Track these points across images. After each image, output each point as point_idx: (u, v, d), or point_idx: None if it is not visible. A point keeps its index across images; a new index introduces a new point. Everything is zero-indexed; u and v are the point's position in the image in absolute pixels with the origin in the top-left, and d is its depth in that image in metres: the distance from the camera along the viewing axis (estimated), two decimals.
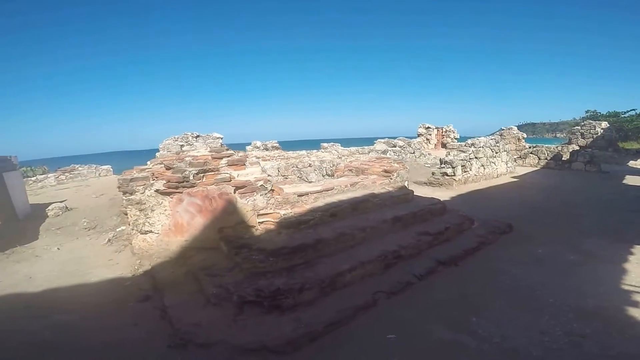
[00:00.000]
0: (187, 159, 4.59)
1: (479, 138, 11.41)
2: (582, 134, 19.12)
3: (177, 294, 3.83)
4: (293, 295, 3.42)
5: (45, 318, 3.73)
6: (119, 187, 5.08)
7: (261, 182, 4.59)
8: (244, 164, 4.81)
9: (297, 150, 17.90)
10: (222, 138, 17.39)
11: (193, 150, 5.09)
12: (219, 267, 4.00)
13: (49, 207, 8.21)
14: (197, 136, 16.99)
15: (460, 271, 4.61)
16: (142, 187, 4.95)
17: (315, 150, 18.20)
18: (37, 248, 6.27)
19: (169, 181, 4.39)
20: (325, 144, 19.05)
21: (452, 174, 9.82)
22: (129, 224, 5.21)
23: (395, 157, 12.50)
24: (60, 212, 8.09)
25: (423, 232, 4.96)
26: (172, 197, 4.49)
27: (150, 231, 4.72)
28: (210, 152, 4.84)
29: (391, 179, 5.96)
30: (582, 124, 19.90)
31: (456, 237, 5.31)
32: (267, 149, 17.24)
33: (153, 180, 4.85)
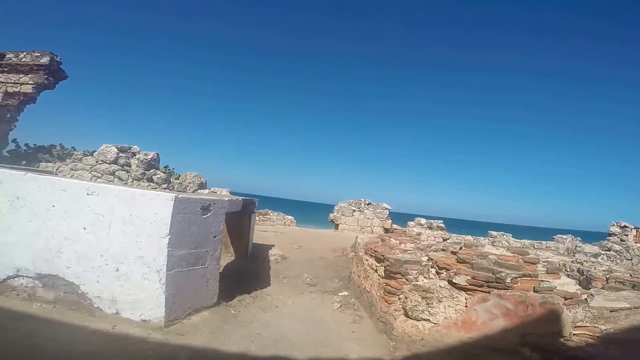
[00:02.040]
0: (490, 257, 4.03)
1: None
2: None
3: None
4: None
5: None
6: (387, 266, 4.76)
7: (585, 296, 3.84)
8: (559, 274, 4.04)
9: (462, 235, 16.31)
10: (389, 209, 17.08)
11: (487, 247, 4.53)
12: None
13: (271, 252, 8.65)
14: (369, 204, 17.02)
15: None
16: (415, 271, 4.52)
17: (483, 238, 16.32)
18: (272, 296, 6.32)
19: (474, 278, 3.83)
20: (493, 232, 16.96)
21: None
22: (388, 303, 4.77)
23: (611, 264, 10.03)
24: (280, 260, 8.39)
25: None
26: (471, 294, 3.89)
27: (428, 320, 4.15)
28: (513, 253, 4.22)
29: None
30: None
31: None
32: (430, 228, 16.08)
33: (434, 267, 4.37)
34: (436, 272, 4.29)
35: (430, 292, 4.07)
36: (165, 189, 7.54)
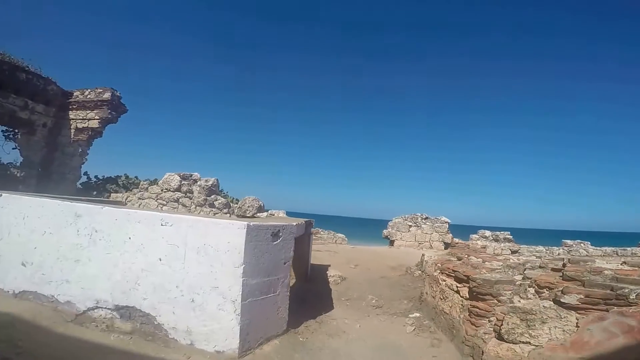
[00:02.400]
0: (606, 272, 3.46)
1: None
2: None
3: None
4: None
5: None
6: (474, 287, 4.27)
7: None
8: None
9: (532, 246, 15.05)
10: (449, 223, 16.19)
11: (598, 261, 3.96)
12: None
13: (329, 273, 8.33)
14: (426, 218, 16.24)
15: None
16: (509, 292, 4.01)
17: (557, 248, 14.99)
18: (337, 320, 5.96)
19: (588, 296, 3.31)
20: (568, 241, 15.51)
21: None
22: (475, 325, 4.26)
23: None
24: (339, 280, 8.05)
25: None
26: (583, 313, 3.37)
27: (528, 342, 3.64)
28: (632, 267, 3.63)
29: None
30: None
31: None
32: (497, 240, 14.92)
33: (532, 287, 3.84)
34: (536, 291, 3.77)
35: (532, 314, 3.56)
36: (226, 213, 7.54)
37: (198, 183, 7.74)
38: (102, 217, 3.96)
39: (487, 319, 4.14)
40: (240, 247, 3.60)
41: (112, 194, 8.09)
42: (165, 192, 7.72)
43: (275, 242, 4.08)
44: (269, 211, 7.53)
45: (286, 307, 4.87)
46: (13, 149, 14.17)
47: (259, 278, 3.92)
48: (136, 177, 14.06)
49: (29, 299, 4.33)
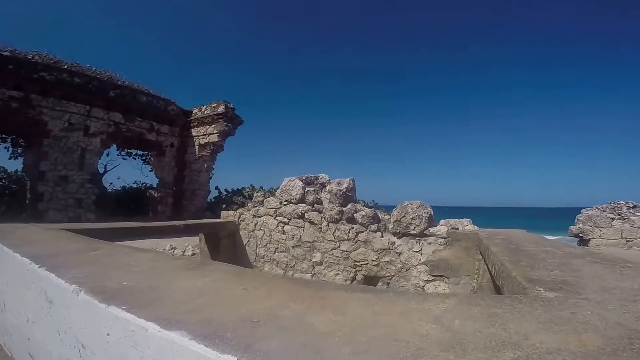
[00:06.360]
0: None
1: None
2: None
3: None
4: None
5: None
6: None
7: None
8: None
9: None
10: None
11: None
12: None
13: None
14: (634, 206, 11.16)
15: None
16: None
17: None
18: None
19: None
20: None
21: None
22: None
23: None
24: None
25: None
26: None
27: None
28: None
29: None
30: None
31: None
32: None
33: None
34: None
35: None
36: (375, 231, 4.64)
37: (327, 188, 5.02)
38: (77, 313, 1.29)
39: None
40: None
41: (222, 213, 6.06)
42: (285, 205, 5.24)
43: None
44: (448, 222, 4.37)
45: None
46: (150, 171, 14.08)
47: None
48: (261, 187, 12.44)
49: None
